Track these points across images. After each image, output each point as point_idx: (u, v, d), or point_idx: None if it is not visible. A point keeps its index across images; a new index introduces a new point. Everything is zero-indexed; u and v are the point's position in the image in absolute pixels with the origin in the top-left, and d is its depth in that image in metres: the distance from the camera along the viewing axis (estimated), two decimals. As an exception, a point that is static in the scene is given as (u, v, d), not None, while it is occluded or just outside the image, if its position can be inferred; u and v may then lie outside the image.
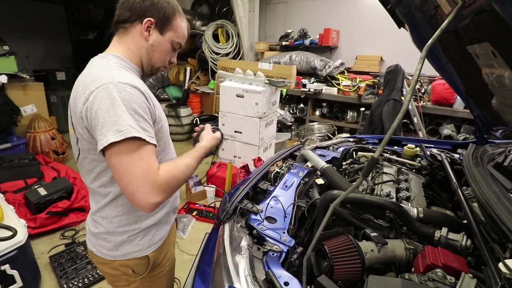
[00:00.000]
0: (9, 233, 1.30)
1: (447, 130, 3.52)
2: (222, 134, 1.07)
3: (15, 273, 1.57)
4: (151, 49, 0.84)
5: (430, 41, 0.39)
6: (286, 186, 1.19)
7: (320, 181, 1.21)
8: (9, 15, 5.37)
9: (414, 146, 1.49)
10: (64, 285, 1.81)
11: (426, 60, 1.30)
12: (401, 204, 0.90)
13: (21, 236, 1.61)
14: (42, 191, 2.39)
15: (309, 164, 1.39)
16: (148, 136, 0.71)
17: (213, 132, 1.04)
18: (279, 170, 1.37)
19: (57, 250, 2.14)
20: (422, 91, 3.65)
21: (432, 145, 1.68)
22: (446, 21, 0.40)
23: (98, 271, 1.92)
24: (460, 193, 0.97)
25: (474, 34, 0.89)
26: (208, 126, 1.06)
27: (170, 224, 1.00)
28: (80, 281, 1.85)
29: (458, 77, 1.36)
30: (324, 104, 4.50)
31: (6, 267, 1.52)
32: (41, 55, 6.14)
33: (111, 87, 0.69)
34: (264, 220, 0.95)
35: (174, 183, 0.75)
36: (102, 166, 0.80)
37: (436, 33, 0.38)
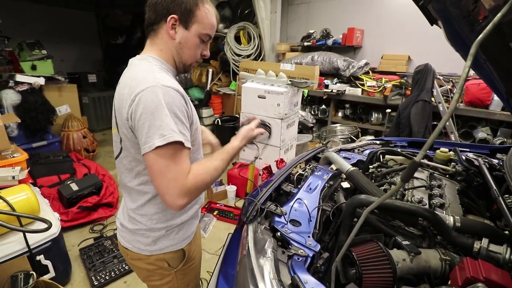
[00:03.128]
0: (45, 226, 1.39)
1: (482, 133, 3.28)
2: (270, 130, 1.01)
3: (48, 263, 1.67)
4: (179, 47, 0.83)
5: (481, 36, 0.36)
6: (310, 188, 1.16)
7: (345, 184, 1.17)
8: (46, 23, 5.78)
9: (447, 150, 1.40)
10: (93, 277, 1.90)
11: (461, 58, 1.22)
12: (435, 212, 0.85)
13: (55, 229, 1.71)
14: (74, 187, 2.53)
15: (333, 166, 1.35)
16: (185, 140, 0.74)
17: (260, 127, 1.00)
18: (303, 172, 1.34)
19: (86, 243, 2.26)
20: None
21: (468, 149, 1.56)
22: (500, 14, 0.36)
23: (124, 265, 2.00)
24: (502, 202, 0.89)
25: (521, 30, 0.82)
26: (255, 122, 1.00)
27: (198, 219, 1.05)
28: (107, 274, 1.93)
29: (498, 76, 1.25)
30: (347, 105, 4.37)
31: (41, 257, 1.63)
32: (74, 58, 6.53)
33: (156, 90, 0.71)
34: (288, 223, 0.94)
35: (201, 187, 0.78)
36: (142, 165, 0.83)
37: (487, 27, 0.35)
